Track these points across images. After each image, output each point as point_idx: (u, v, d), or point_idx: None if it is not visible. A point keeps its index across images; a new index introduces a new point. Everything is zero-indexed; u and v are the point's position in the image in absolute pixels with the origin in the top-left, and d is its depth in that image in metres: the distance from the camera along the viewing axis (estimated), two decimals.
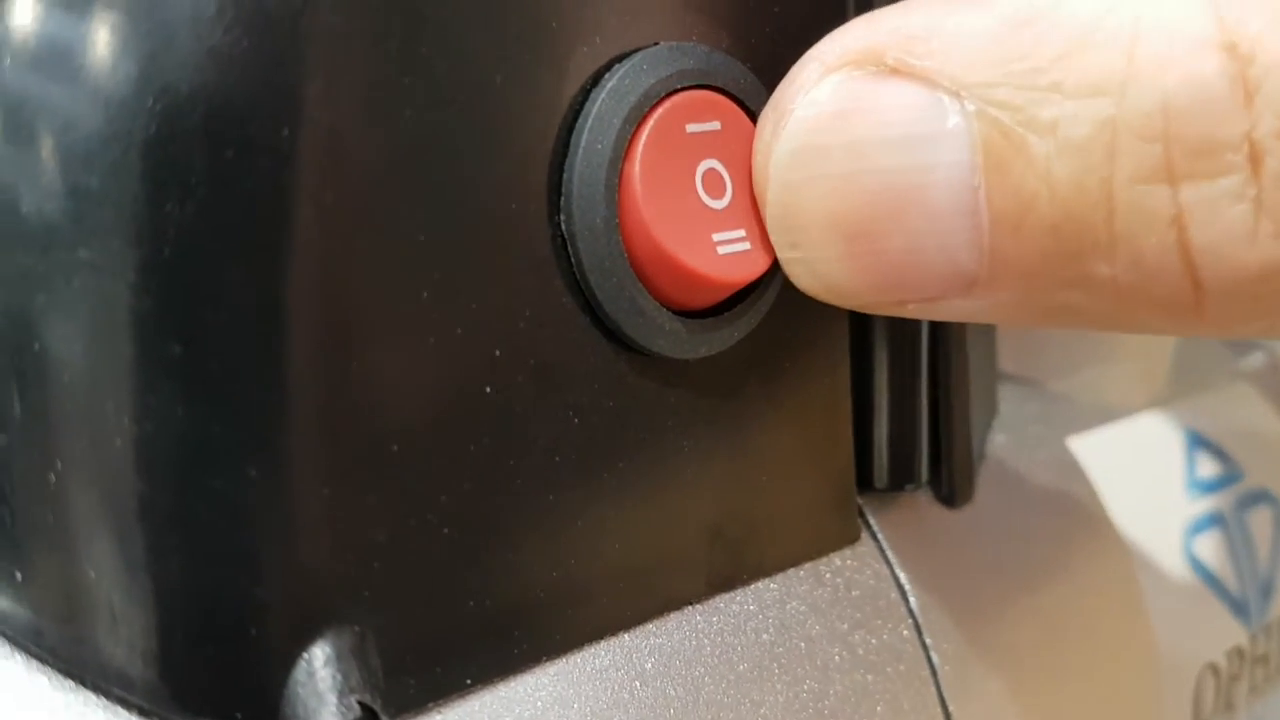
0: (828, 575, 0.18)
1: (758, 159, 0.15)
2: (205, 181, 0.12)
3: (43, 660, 0.13)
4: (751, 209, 0.15)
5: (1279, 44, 0.12)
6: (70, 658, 0.13)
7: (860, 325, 0.18)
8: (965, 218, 0.14)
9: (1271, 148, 0.12)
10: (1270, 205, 0.12)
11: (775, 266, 0.16)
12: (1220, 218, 0.12)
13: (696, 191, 0.15)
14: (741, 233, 0.15)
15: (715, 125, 0.15)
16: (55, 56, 0.13)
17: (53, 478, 0.13)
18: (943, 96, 0.14)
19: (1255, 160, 0.12)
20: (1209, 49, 0.12)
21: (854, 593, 0.18)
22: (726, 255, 0.15)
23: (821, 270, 0.15)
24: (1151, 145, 0.13)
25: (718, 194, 0.15)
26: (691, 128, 0.15)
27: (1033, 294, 0.14)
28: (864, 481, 0.19)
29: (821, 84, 0.14)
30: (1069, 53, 0.13)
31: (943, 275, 0.14)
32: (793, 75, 0.15)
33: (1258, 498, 0.26)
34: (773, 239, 0.15)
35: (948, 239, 0.14)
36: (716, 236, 0.15)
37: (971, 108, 0.13)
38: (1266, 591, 0.26)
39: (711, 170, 0.15)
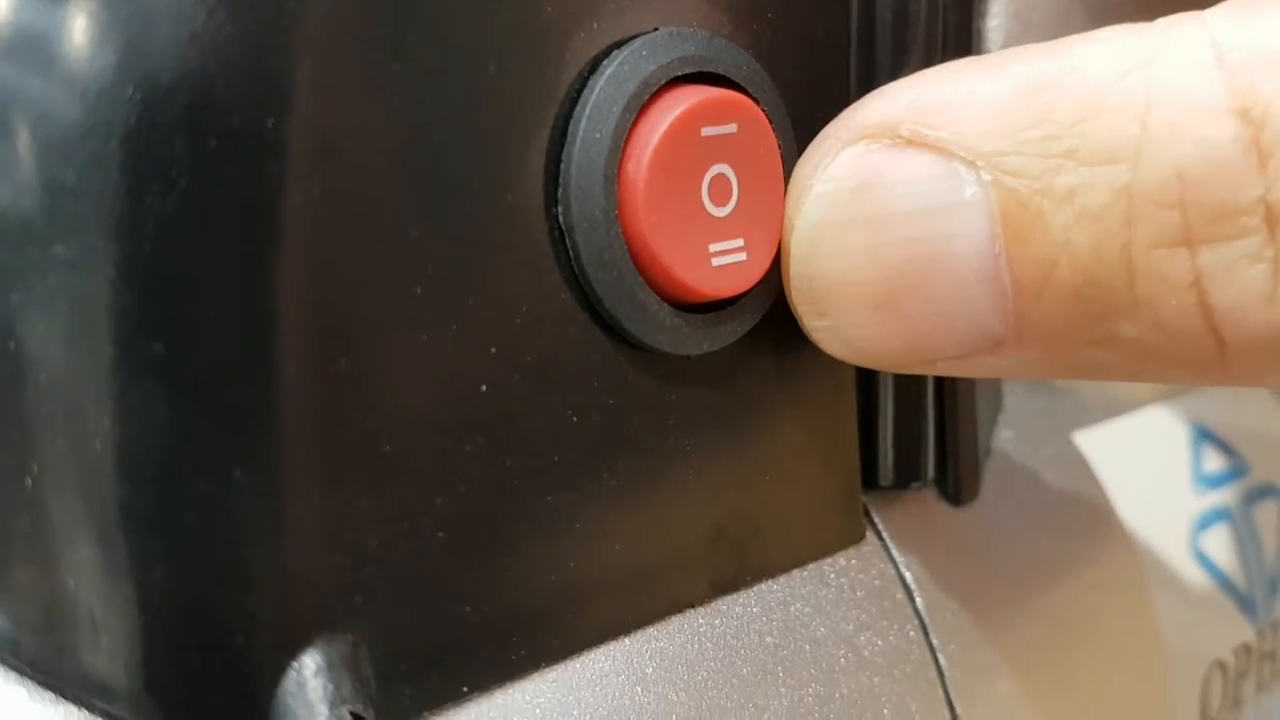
0: (832, 575, 0.17)
1: (784, 231, 0.15)
2: (188, 173, 0.12)
3: (21, 672, 0.13)
4: (754, 214, 0.15)
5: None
6: (50, 669, 0.13)
7: None
8: (988, 284, 0.14)
9: None
10: None
11: (772, 269, 0.15)
12: (1239, 279, 0.13)
13: (701, 199, 0.14)
14: (740, 242, 0.15)
15: (731, 128, 0.15)
16: (29, 45, 0.12)
17: (29, 481, 0.12)
18: (959, 166, 0.14)
19: (1271, 222, 0.12)
20: (1222, 115, 0.12)
21: (859, 593, 0.17)
22: (720, 267, 0.15)
23: (850, 336, 0.15)
24: (1168, 211, 0.13)
25: (723, 200, 0.15)
26: (707, 131, 0.14)
27: (1060, 353, 0.14)
28: (869, 479, 0.18)
29: (839, 158, 0.15)
30: (1082, 119, 0.13)
31: (970, 337, 0.14)
32: (810, 151, 0.15)
33: (1264, 492, 0.26)
34: (798, 309, 0.15)
35: (972, 304, 0.14)
36: (713, 247, 0.15)
37: (988, 177, 0.14)
38: (1274, 588, 0.25)
39: (720, 176, 0.15)
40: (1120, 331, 0.13)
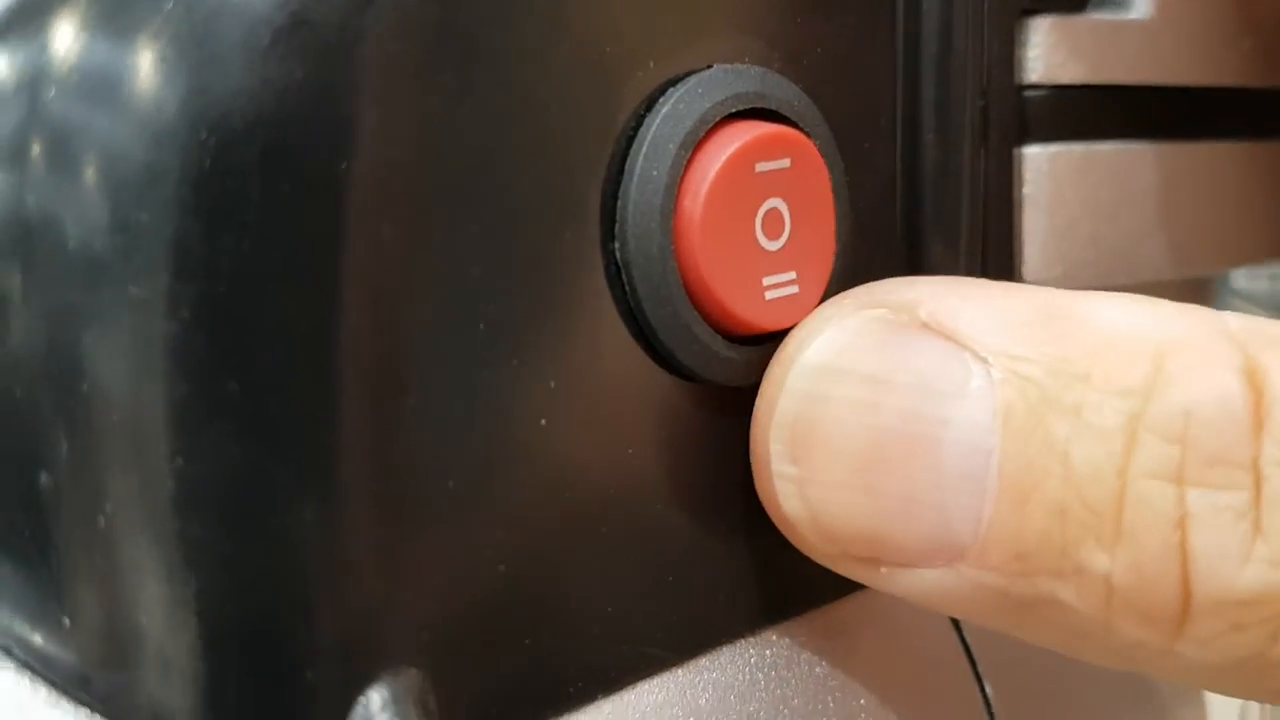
0: (881, 604, 0.17)
1: (775, 369, 0.15)
2: (260, 216, 0.12)
3: (91, 708, 0.13)
4: (806, 248, 0.15)
5: None
6: (120, 705, 0.13)
7: None
8: (971, 481, 0.14)
9: (1270, 475, 0.13)
10: (1267, 529, 0.13)
11: (828, 291, 0.15)
12: (1221, 529, 0.13)
13: (755, 234, 0.15)
14: (792, 275, 0.15)
15: (785, 163, 0.15)
16: (102, 88, 0.12)
17: (102, 520, 0.13)
18: (969, 358, 0.14)
19: (1258, 485, 0.13)
20: (1231, 371, 0.13)
21: (908, 622, 0.17)
22: (773, 300, 0.15)
23: (814, 496, 0.14)
24: (1170, 447, 0.13)
25: (776, 234, 0.15)
26: (761, 167, 0.14)
27: (1018, 580, 0.14)
28: None
29: (856, 315, 0.15)
30: (1100, 351, 0.13)
31: (931, 537, 0.14)
32: (828, 305, 0.15)
33: None
34: (766, 448, 0.15)
35: (949, 498, 0.14)
36: (767, 280, 0.15)
37: (998, 374, 0.14)
38: None
39: (773, 210, 0.15)
40: (1093, 564, 0.13)
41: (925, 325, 0.14)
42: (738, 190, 0.14)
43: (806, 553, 0.15)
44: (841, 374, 0.14)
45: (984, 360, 0.14)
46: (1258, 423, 0.13)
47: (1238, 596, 0.13)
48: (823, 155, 0.15)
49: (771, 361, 0.15)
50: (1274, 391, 0.13)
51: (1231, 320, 0.14)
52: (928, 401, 0.14)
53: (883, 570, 0.14)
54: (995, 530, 0.13)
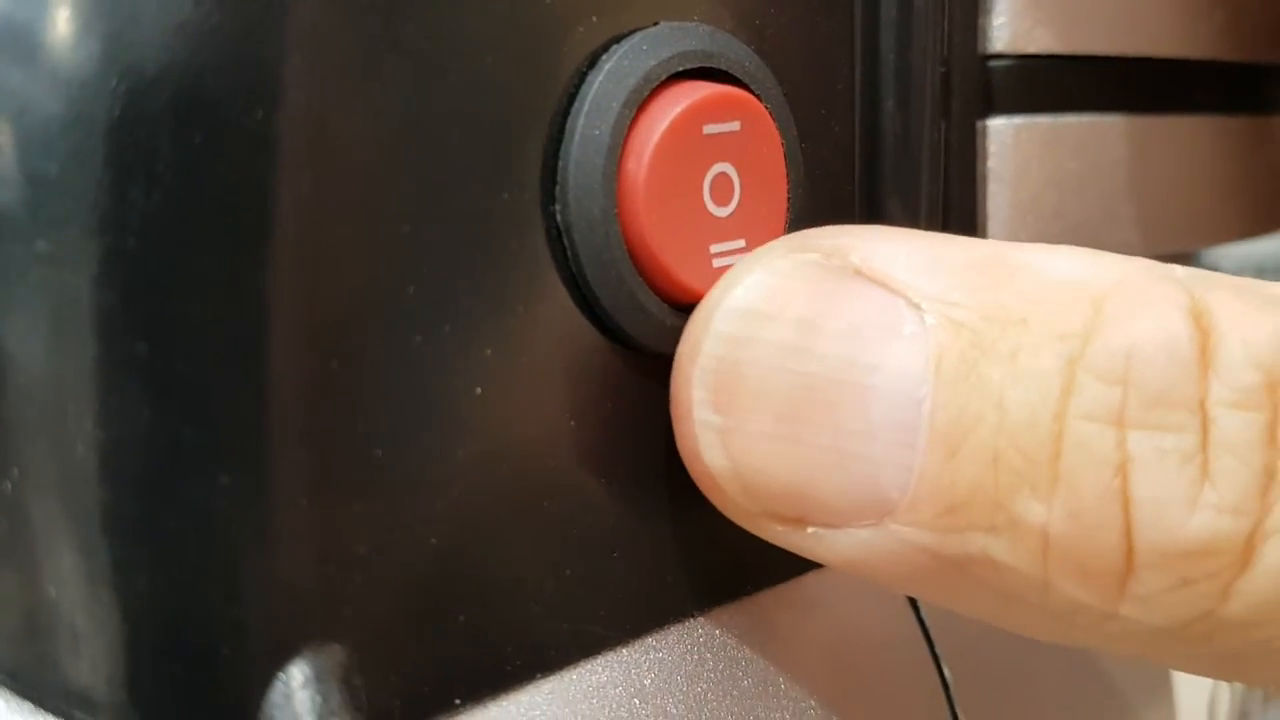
0: (835, 584, 0.17)
1: (699, 312, 0.14)
2: (173, 168, 0.11)
3: (1, 684, 0.13)
4: (757, 214, 0.15)
5: (1235, 322, 0.12)
6: (29, 680, 0.12)
7: None
8: (901, 432, 0.13)
9: (1219, 416, 0.12)
10: (1214, 473, 0.12)
11: None
12: (1165, 474, 0.12)
13: (703, 199, 0.14)
14: (741, 243, 0.15)
15: (734, 126, 0.14)
16: (10, 34, 0.12)
17: (9, 486, 0.12)
18: (902, 304, 0.13)
19: (1205, 428, 0.12)
20: (1177, 310, 0.12)
21: (863, 601, 0.17)
22: (722, 268, 0.14)
23: (737, 447, 0.14)
24: (1110, 388, 0.12)
25: (725, 200, 0.14)
26: (709, 129, 0.14)
27: (949, 537, 0.13)
28: None
29: (788, 259, 0.14)
30: (1039, 297, 0.13)
31: (860, 491, 0.13)
32: (758, 250, 0.14)
33: None
34: (689, 394, 0.14)
35: (876, 450, 0.13)
36: (715, 248, 0.14)
37: (931, 320, 0.13)
38: None
39: (721, 175, 0.14)
40: (1028, 514, 0.12)
41: (858, 271, 0.13)
42: (685, 153, 0.14)
43: (728, 513, 0.14)
44: (768, 318, 0.14)
45: (917, 307, 0.13)
46: (1205, 363, 0.12)
47: (1184, 546, 0.12)
48: (775, 119, 0.15)
49: (697, 306, 0.14)
50: (1221, 329, 0.12)
51: (1177, 269, 0.13)
52: (857, 347, 0.13)
53: (809, 531, 0.14)
54: (925, 482, 0.13)
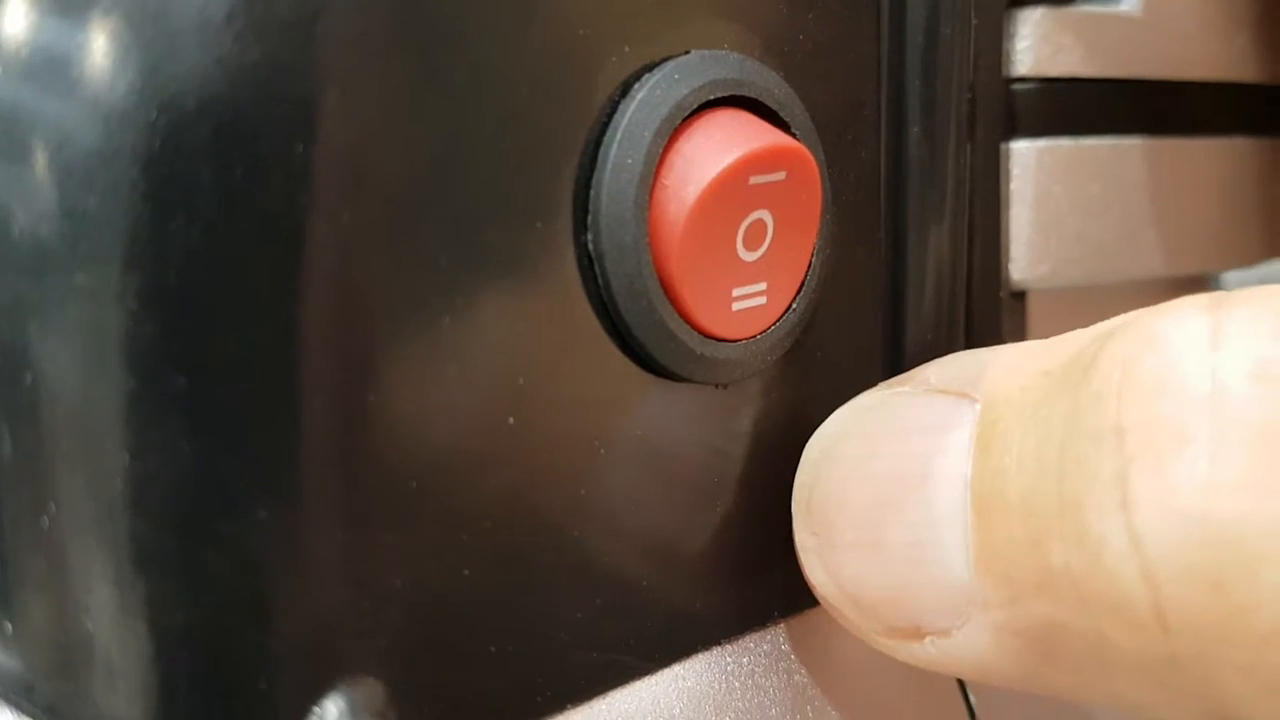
0: None
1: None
2: (213, 201, 0.11)
3: (35, 717, 0.12)
4: (782, 259, 0.15)
5: (1245, 325, 0.11)
6: (66, 714, 0.12)
7: (894, 345, 0.17)
8: (958, 511, 0.13)
9: (1238, 389, 0.11)
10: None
11: (794, 301, 0.15)
12: (1168, 465, 0.11)
13: (735, 244, 0.14)
14: (762, 286, 0.15)
15: (780, 176, 0.14)
16: (50, 67, 0.12)
17: (46, 521, 0.12)
18: (966, 402, 0.14)
19: (1217, 404, 0.11)
20: (1198, 311, 0.12)
21: None
22: (739, 311, 0.14)
23: (832, 562, 0.14)
24: (1105, 400, 0.12)
25: (755, 245, 0.14)
26: (755, 180, 0.14)
27: (1015, 609, 0.12)
28: None
29: (876, 391, 0.15)
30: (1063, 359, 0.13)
31: (942, 583, 0.13)
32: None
33: None
34: (795, 524, 0.15)
35: (943, 535, 0.13)
36: (736, 291, 0.14)
37: (979, 404, 0.13)
38: None
39: (758, 221, 0.14)
40: (1054, 562, 0.12)
41: (937, 389, 0.14)
42: (729, 202, 0.14)
43: (863, 639, 0.15)
44: (847, 435, 0.14)
45: (975, 400, 0.13)
46: (1215, 341, 0.12)
47: (1203, 538, 0.11)
48: (804, 144, 0.15)
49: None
50: (1231, 324, 0.12)
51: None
52: (920, 439, 0.13)
53: (927, 641, 0.14)
54: (977, 553, 0.13)
